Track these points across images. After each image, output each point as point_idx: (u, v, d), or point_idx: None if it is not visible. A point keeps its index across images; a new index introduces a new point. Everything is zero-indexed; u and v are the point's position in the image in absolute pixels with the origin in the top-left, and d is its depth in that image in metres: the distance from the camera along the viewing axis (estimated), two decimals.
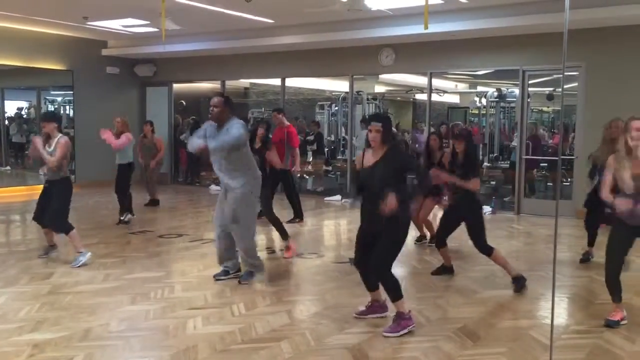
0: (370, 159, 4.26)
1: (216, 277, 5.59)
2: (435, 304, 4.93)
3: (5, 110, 14.72)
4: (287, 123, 9.11)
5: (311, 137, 13.51)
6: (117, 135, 8.39)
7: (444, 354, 3.85)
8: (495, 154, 13.10)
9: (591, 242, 6.52)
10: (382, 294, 4.46)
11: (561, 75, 10.85)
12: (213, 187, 12.79)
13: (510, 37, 9.53)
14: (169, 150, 14.07)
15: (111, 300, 4.88)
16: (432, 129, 10.53)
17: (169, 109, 14.03)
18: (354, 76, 11.82)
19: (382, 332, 4.16)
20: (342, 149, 13.88)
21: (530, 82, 10.11)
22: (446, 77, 14.75)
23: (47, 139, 6.09)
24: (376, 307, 4.55)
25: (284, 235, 6.82)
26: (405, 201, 4.16)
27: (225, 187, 5.42)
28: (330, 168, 13.90)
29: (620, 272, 4.38)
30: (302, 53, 11.58)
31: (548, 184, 11.39)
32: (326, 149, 14.32)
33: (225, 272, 5.63)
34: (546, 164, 11.01)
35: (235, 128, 5.19)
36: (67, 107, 14.71)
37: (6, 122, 14.15)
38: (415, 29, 9.14)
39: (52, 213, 6.06)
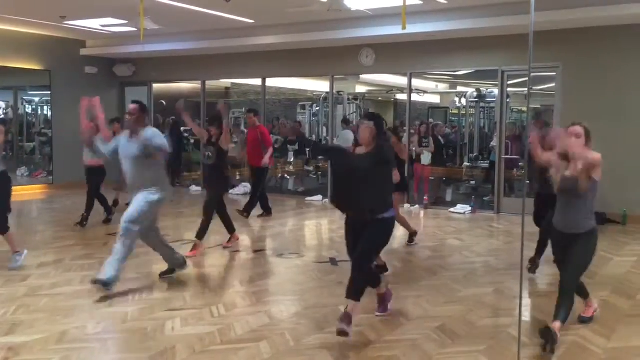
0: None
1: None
2: (415, 303, 4.95)
3: None
4: (258, 124, 9.45)
5: (293, 138, 13.49)
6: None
7: (423, 353, 3.86)
8: (475, 154, 13.19)
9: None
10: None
11: (540, 74, 10.94)
12: (193, 187, 12.73)
13: (489, 37, 9.60)
14: None
15: (88, 303, 4.82)
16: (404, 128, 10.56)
17: (148, 109, 13.90)
18: (335, 76, 11.82)
19: (375, 314, 4.48)
20: None
21: (509, 82, 10.19)
22: (427, 78, 14.83)
23: None
24: (387, 295, 4.65)
25: (200, 234, 6.75)
26: (388, 199, 4.18)
27: (132, 192, 5.31)
28: (311, 168, 13.90)
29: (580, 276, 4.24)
30: (283, 53, 11.55)
31: (527, 182, 11.46)
32: (307, 149, 14.31)
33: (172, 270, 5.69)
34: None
35: (159, 137, 5.17)
36: (45, 108, 14.53)
37: None
38: (394, 29, 9.14)
39: None
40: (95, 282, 4.94)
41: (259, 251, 7.08)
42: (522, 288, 3.62)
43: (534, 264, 5.90)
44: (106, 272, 4.97)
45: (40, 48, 12.34)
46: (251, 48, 11.49)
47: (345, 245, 4.41)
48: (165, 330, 4.24)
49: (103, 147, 5.32)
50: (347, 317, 3.95)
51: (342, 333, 3.89)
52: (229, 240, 7.11)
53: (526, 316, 4.65)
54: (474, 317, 4.63)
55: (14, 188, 6.16)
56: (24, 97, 14.96)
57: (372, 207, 4.09)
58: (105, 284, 4.91)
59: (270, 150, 9.20)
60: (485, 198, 10.90)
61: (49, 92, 12.82)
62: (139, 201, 5.14)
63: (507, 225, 8.92)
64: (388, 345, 3.99)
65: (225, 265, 6.44)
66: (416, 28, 9.08)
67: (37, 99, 15.01)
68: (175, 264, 5.68)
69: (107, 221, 8.52)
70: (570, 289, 4.09)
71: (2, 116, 15.00)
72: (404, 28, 6.09)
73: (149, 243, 5.57)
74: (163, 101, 14.74)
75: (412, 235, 7.33)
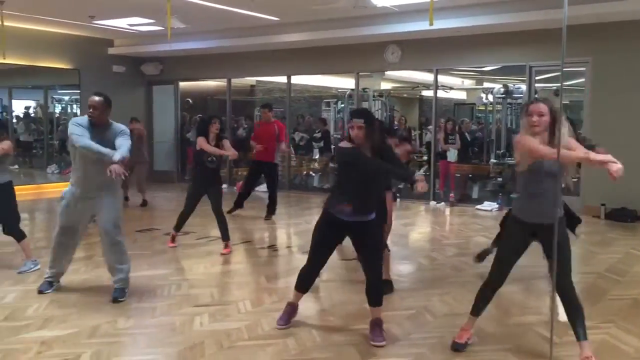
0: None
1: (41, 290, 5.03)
2: (442, 301, 4.93)
3: (13, 109, 14.83)
4: (273, 119, 9.34)
5: (318, 135, 13.50)
6: None
7: (450, 351, 3.85)
8: (502, 150, 13.03)
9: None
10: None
11: (568, 70, 10.77)
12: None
13: (517, 32, 9.50)
14: (175, 149, 14.13)
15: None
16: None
17: (175, 107, 14.07)
18: (360, 73, 11.80)
19: (373, 344, 3.92)
20: None
21: (537, 77, 10.06)
22: (452, 74, 14.71)
23: None
24: (295, 310, 4.37)
25: (177, 226, 6.85)
26: (383, 201, 4.16)
27: (88, 193, 4.79)
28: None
29: (499, 287, 3.82)
30: (308, 51, 11.57)
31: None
32: (332, 146, 14.30)
33: (50, 284, 5.08)
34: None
35: (124, 139, 4.76)
36: (74, 106, 14.79)
37: (14, 120, 14.24)
38: (420, 26, 9.13)
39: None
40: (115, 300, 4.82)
41: (284, 248, 7.11)
42: (554, 287, 3.57)
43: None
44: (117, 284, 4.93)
45: (69, 47, 12.55)
46: (276, 46, 11.54)
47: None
48: (194, 325, 4.29)
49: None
50: (380, 325, 4.00)
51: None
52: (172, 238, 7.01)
53: (558, 314, 4.59)
54: (502, 315, 4.59)
55: (45, 185, 6.25)
56: (54, 96, 15.25)
57: (375, 208, 4.04)
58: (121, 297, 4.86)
59: (286, 144, 9.23)
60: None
61: (78, 91, 13.03)
62: (115, 205, 4.85)
63: None
64: (414, 343, 3.99)
65: (251, 262, 6.49)
66: (442, 24, 9.02)
67: (66, 98, 15.29)
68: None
69: None
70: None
71: (33, 115, 15.33)
72: (431, 24, 6.06)
73: (69, 243, 5.03)
74: (189, 99, 14.89)
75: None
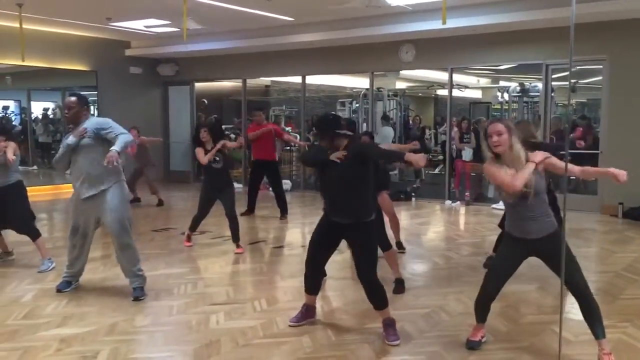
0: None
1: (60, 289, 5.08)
2: (457, 299, 4.92)
3: (32, 110, 15.02)
4: (265, 122, 9.43)
5: None
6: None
7: (464, 349, 3.85)
8: None
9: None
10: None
11: (584, 67, 10.69)
12: (235, 184, 12.88)
13: (532, 30, 9.43)
14: (190, 149, 14.22)
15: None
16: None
17: (190, 108, 14.17)
18: (375, 73, 11.81)
19: (389, 344, 3.93)
20: None
21: (554, 75, 9.99)
22: (468, 73, 14.64)
23: None
24: (311, 311, 4.38)
25: (192, 227, 6.92)
26: (370, 202, 4.10)
27: (88, 191, 4.80)
28: None
29: (495, 297, 3.83)
30: (322, 50, 11.60)
31: (571, 178, 11.22)
32: None
33: (68, 283, 5.14)
34: (570, 158, 10.84)
35: (115, 131, 4.74)
36: (92, 108, 14.94)
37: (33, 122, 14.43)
38: (435, 24, 9.08)
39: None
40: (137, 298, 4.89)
41: (299, 247, 7.13)
42: (562, 284, 3.56)
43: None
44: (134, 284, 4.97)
45: (87, 49, 12.69)
46: (291, 46, 11.57)
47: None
48: (210, 323, 4.34)
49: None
50: (392, 325, 4.01)
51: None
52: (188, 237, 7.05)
53: (574, 314, 4.56)
54: (517, 313, 4.59)
55: (63, 185, 6.33)
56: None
57: (358, 213, 3.99)
58: (141, 295, 4.92)
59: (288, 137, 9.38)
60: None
61: (96, 92, 13.17)
62: (117, 206, 4.80)
63: None
64: (429, 341, 4.00)
65: (266, 261, 6.52)
66: (457, 23, 9.00)
67: None
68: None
69: None
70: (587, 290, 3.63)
71: (51, 116, 15.51)
72: (444, 23, 6.05)
73: (80, 244, 5.05)
74: (205, 100, 14.99)
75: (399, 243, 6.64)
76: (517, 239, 3.67)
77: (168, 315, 4.53)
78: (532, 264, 6.10)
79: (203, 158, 6.61)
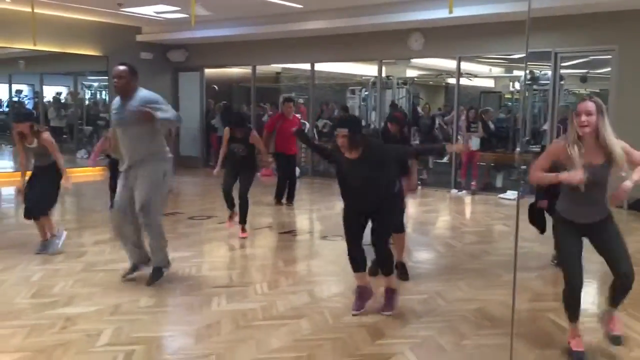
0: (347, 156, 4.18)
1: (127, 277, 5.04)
2: (455, 286, 4.99)
3: (44, 95, 15.20)
4: (295, 113, 9.43)
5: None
6: None
7: (458, 333, 3.93)
8: (527, 138, 12.92)
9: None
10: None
11: (595, 57, 10.57)
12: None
13: (541, 18, 9.34)
14: (200, 134, 14.34)
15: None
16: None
17: (200, 94, 14.26)
18: (384, 60, 11.80)
19: (382, 314, 4.17)
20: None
21: (563, 64, 9.94)
22: (479, 61, 14.56)
23: (23, 136, 5.72)
24: (368, 292, 4.41)
25: (228, 205, 6.92)
26: (392, 187, 4.30)
27: (129, 169, 4.79)
28: None
29: (582, 284, 3.58)
30: (331, 38, 11.60)
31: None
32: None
33: (135, 268, 5.08)
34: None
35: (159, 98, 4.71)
36: (103, 92, 15.09)
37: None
38: (443, 13, 9.05)
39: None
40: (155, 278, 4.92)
41: (304, 234, 7.23)
42: (515, 270, 3.61)
43: None
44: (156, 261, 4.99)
45: (99, 34, 12.78)
46: (300, 33, 11.59)
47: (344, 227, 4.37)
48: (212, 305, 4.44)
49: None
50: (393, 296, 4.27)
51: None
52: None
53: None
54: (515, 301, 4.62)
55: (74, 169, 6.38)
56: (84, 82, 15.57)
57: (380, 204, 4.20)
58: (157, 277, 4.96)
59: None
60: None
61: (107, 77, 13.27)
62: (145, 186, 4.70)
63: None
64: (424, 325, 4.07)
65: (271, 246, 6.62)
66: (465, 11, 8.97)
67: (95, 84, 15.60)
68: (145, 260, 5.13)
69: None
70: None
71: (63, 100, 15.66)
72: (450, 12, 6.03)
73: (121, 227, 4.91)
74: (215, 86, 15.06)
75: None
76: (567, 221, 3.54)
77: (172, 297, 4.65)
78: (536, 251, 6.16)
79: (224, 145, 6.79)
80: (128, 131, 4.75)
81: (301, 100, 15.00)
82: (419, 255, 6.20)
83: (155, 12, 11.34)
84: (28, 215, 5.88)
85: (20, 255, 5.77)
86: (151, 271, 4.97)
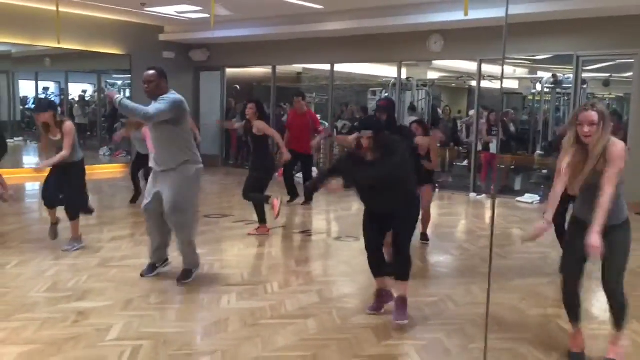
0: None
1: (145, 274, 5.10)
2: (466, 290, 4.97)
3: (70, 92, 15.46)
4: (306, 109, 9.42)
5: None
6: None
7: (466, 337, 3.91)
8: (549, 141, 12.77)
9: None
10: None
11: (619, 61, 10.42)
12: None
13: (563, 21, 9.27)
14: (219, 133, 14.45)
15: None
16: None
17: (221, 93, 14.36)
18: (404, 62, 11.77)
19: (395, 323, 4.07)
20: None
21: (586, 67, 9.81)
22: (501, 63, 14.38)
23: (47, 128, 5.76)
24: (387, 295, 4.39)
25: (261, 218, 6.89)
26: (411, 190, 4.29)
27: (159, 169, 4.86)
28: None
29: (577, 284, 3.57)
30: (351, 39, 11.60)
31: None
32: None
33: (153, 267, 5.14)
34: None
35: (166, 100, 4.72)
36: (127, 91, 15.29)
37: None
38: (463, 15, 9.01)
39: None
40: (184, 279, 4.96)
41: (318, 234, 7.24)
42: (490, 274, 3.57)
43: None
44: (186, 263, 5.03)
45: (122, 34, 12.96)
46: (320, 34, 11.61)
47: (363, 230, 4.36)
48: (221, 303, 4.48)
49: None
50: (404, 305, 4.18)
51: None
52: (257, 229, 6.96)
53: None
54: (525, 306, 4.61)
55: (96, 166, 6.43)
56: (107, 80, 15.80)
57: (397, 206, 4.15)
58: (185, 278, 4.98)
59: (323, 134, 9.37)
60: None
61: (130, 76, 13.46)
62: (175, 187, 4.74)
63: None
64: (432, 328, 4.07)
65: (284, 246, 6.65)
66: (485, 14, 8.89)
67: (119, 82, 15.82)
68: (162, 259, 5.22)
69: (133, 200, 8.63)
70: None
71: (88, 98, 15.90)
72: (466, 14, 6.04)
73: (153, 227, 5.01)
74: (237, 86, 15.16)
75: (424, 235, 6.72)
76: (579, 221, 3.48)
77: (182, 294, 4.70)
78: (549, 257, 6.10)
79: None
80: (154, 133, 4.86)
81: (309, 101, 15.05)
82: (432, 258, 6.18)
83: (177, 11, 11.46)
84: (50, 204, 5.95)
85: (39, 250, 5.88)
86: (181, 271, 5.02)
